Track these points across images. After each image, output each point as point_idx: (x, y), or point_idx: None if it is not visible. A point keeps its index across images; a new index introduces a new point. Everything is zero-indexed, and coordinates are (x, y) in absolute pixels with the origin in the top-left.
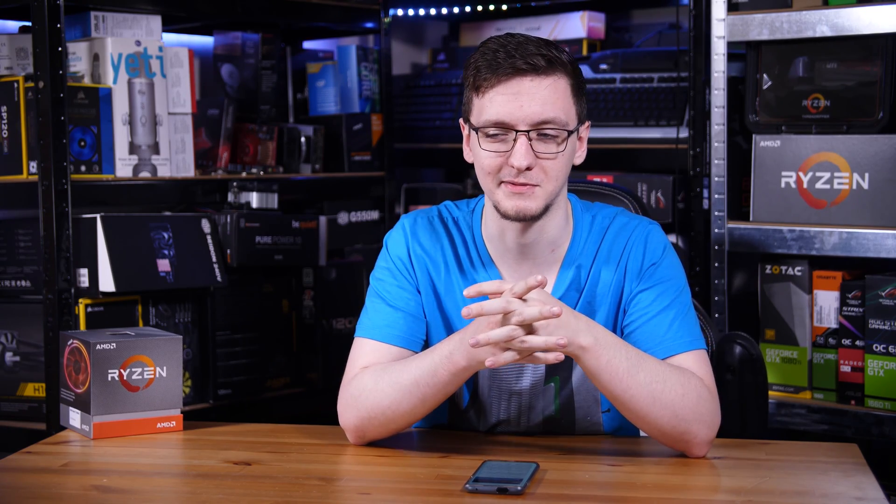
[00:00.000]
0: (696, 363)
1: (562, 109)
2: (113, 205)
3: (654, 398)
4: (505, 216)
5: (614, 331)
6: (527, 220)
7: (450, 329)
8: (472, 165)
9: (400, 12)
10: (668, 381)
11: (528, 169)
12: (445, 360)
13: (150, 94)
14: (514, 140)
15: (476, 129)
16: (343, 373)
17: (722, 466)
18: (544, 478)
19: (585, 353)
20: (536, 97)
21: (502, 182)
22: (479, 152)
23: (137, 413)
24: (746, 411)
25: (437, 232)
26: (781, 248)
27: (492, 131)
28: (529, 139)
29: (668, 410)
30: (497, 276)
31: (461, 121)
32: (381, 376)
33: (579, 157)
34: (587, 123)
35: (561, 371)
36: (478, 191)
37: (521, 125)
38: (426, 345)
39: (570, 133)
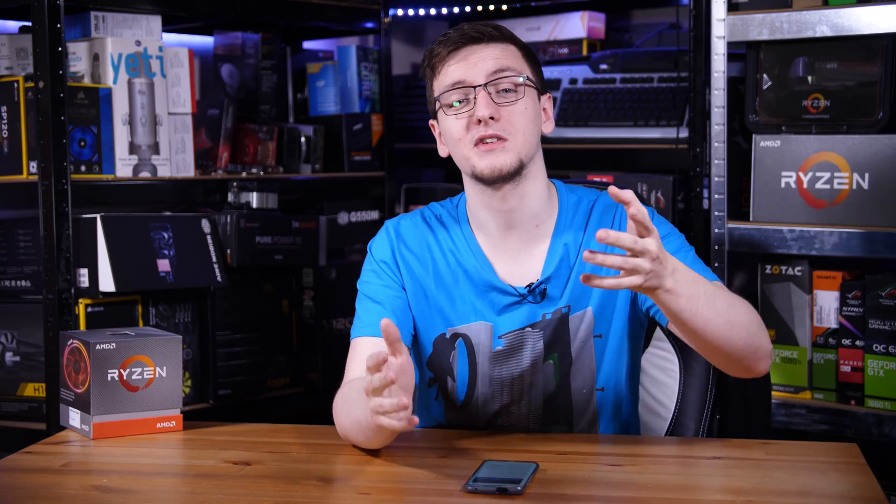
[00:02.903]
0: None
1: (513, 62)
2: (113, 205)
3: (731, 323)
4: (481, 178)
5: (617, 297)
6: (503, 178)
7: (443, 322)
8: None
9: (400, 12)
10: (734, 303)
11: (494, 119)
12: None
13: (150, 94)
14: (475, 98)
15: (441, 106)
16: (343, 374)
17: (722, 466)
18: (544, 478)
19: (669, 294)
20: (488, 56)
21: (474, 145)
22: (447, 124)
23: (137, 413)
24: (750, 414)
25: (420, 231)
26: (781, 248)
27: (453, 96)
28: (488, 92)
29: (743, 331)
30: (487, 263)
31: (431, 122)
32: (345, 402)
33: (547, 126)
34: (548, 95)
35: (559, 346)
36: None
37: (477, 80)
38: (415, 339)
39: (527, 83)
